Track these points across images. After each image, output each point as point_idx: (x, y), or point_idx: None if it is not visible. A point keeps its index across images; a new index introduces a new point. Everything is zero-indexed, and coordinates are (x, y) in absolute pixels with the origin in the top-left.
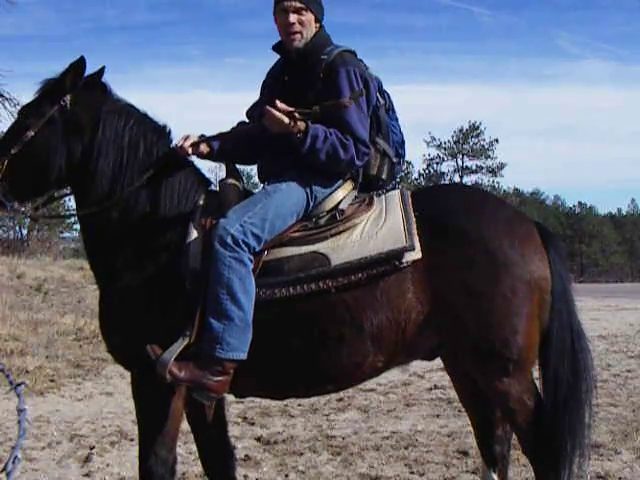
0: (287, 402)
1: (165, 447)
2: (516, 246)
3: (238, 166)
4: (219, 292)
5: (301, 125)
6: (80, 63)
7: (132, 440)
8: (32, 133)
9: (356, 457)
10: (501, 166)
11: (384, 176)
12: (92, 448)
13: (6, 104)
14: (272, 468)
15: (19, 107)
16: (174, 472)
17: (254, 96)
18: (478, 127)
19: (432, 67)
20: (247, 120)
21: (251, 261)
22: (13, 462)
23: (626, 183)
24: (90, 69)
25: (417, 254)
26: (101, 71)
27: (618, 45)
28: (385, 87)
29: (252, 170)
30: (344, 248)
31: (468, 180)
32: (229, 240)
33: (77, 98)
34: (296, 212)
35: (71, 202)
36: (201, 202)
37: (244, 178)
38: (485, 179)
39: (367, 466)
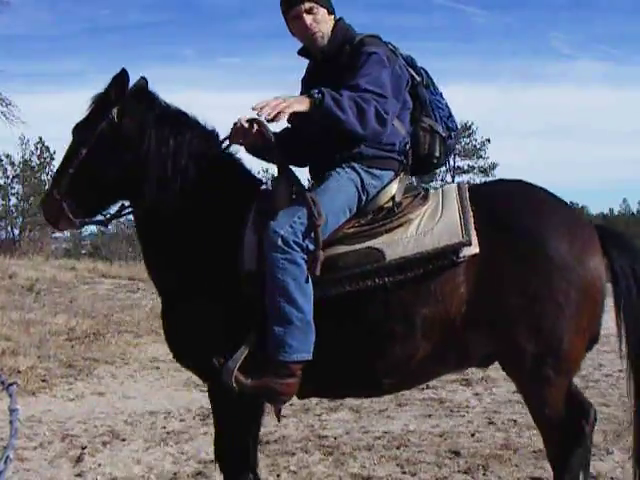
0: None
1: (242, 449)
2: (574, 250)
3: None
4: (276, 296)
5: (310, 100)
6: (122, 75)
7: (124, 440)
8: (85, 150)
9: (348, 457)
10: (493, 166)
11: (437, 153)
12: (84, 448)
13: None
14: (264, 468)
15: (72, 125)
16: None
17: (249, 96)
18: (470, 127)
19: (425, 67)
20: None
21: (305, 261)
22: (5, 462)
23: (618, 183)
24: (87, 70)
25: (474, 249)
26: (145, 80)
27: (612, 45)
28: None
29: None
30: (399, 243)
31: (459, 180)
32: (280, 242)
33: (124, 110)
34: (348, 208)
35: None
36: (254, 204)
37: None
38: (477, 179)
39: (359, 466)
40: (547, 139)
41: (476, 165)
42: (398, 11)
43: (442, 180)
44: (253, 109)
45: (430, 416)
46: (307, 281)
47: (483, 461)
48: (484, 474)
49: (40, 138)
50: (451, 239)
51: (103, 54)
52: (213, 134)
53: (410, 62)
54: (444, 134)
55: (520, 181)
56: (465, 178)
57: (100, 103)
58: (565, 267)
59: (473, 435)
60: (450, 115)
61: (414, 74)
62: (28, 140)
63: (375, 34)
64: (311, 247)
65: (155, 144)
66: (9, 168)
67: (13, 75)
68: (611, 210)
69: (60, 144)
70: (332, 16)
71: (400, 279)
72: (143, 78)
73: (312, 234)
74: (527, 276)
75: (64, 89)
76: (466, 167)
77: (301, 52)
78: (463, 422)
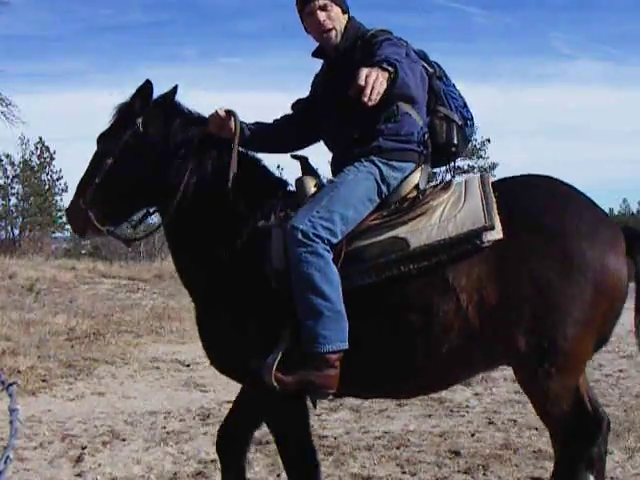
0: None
1: (307, 448)
2: (596, 249)
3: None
4: (303, 289)
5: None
6: (147, 86)
7: (124, 440)
8: (111, 160)
9: (348, 457)
10: (493, 166)
11: (455, 141)
12: (84, 448)
13: None
14: (264, 468)
15: (97, 135)
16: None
17: (248, 96)
18: None
19: None
20: (291, 112)
21: (328, 252)
22: (5, 462)
23: (618, 183)
24: (88, 70)
25: (498, 234)
26: (174, 90)
27: (612, 45)
28: None
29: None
30: (423, 231)
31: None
32: (299, 236)
33: (149, 120)
34: (368, 199)
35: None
36: (279, 203)
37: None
38: None
39: (359, 466)
40: (547, 139)
41: (476, 165)
42: (398, 11)
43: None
44: (356, 91)
45: (430, 416)
46: (332, 271)
47: (483, 461)
48: (484, 474)
49: (40, 138)
50: (474, 224)
51: (103, 54)
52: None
53: (423, 56)
54: (460, 122)
55: (547, 176)
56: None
57: (124, 113)
58: (583, 265)
59: (473, 435)
60: (465, 105)
61: (427, 66)
62: (28, 140)
63: (386, 28)
64: (333, 240)
65: (179, 151)
66: (9, 168)
67: (13, 75)
68: (611, 210)
69: (60, 144)
70: (346, 15)
71: (425, 266)
72: (175, 87)
73: (331, 226)
74: (544, 270)
75: (64, 89)
76: (466, 167)
77: (315, 53)
78: (463, 422)
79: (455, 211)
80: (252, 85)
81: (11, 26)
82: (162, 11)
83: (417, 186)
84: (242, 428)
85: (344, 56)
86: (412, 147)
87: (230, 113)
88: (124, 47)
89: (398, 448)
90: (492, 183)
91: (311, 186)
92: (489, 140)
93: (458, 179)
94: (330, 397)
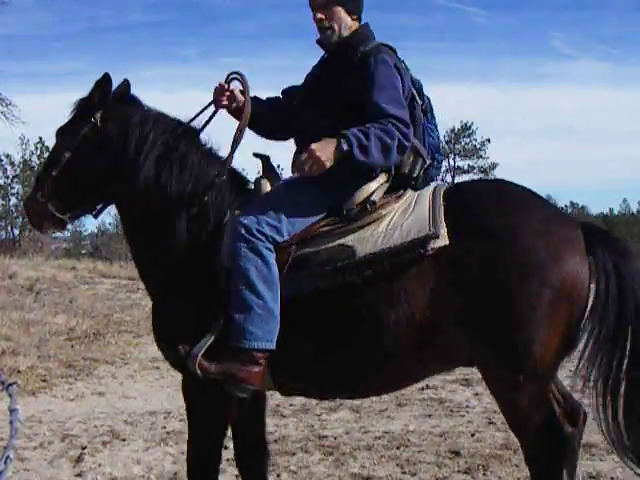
0: (278, 402)
1: (211, 444)
2: (550, 248)
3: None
4: (238, 283)
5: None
6: (105, 80)
7: (124, 440)
8: (69, 154)
9: (348, 457)
10: (493, 166)
11: (415, 174)
12: (84, 448)
13: None
14: None
15: (56, 129)
16: (218, 470)
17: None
18: (470, 127)
19: (425, 67)
20: (281, 97)
21: (270, 251)
22: (5, 462)
23: (618, 183)
24: (88, 70)
25: (442, 241)
26: (127, 84)
27: (612, 45)
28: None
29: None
30: (370, 240)
31: (459, 180)
32: (242, 231)
33: (107, 114)
34: (319, 203)
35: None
36: (236, 201)
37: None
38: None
39: (359, 466)
40: (547, 139)
41: (476, 165)
42: (398, 11)
43: (442, 181)
44: (294, 168)
45: (430, 416)
46: (271, 270)
47: (483, 461)
48: (484, 474)
49: (40, 138)
50: (419, 232)
51: (103, 54)
52: (196, 133)
53: (417, 87)
54: (428, 161)
55: (500, 180)
56: (465, 178)
57: (83, 107)
58: (538, 267)
59: (473, 435)
60: (439, 148)
61: (417, 96)
62: (28, 140)
63: (391, 46)
64: (278, 238)
65: (136, 147)
66: (9, 168)
67: (13, 75)
68: (611, 210)
69: None
70: (354, 16)
71: (370, 275)
72: (126, 81)
73: (276, 224)
74: (497, 275)
75: (64, 89)
76: (466, 167)
77: (318, 41)
78: (463, 422)
79: (402, 219)
80: (252, 85)
81: (11, 26)
82: (162, 11)
83: (371, 195)
84: (251, 436)
85: (340, 58)
86: None
87: (239, 75)
88: (124, 47)
89: (398, 448)
90: (445, 190)
91: (268, 187)
92: (489, 140)
93: (411, 191)
94: (250, 393)
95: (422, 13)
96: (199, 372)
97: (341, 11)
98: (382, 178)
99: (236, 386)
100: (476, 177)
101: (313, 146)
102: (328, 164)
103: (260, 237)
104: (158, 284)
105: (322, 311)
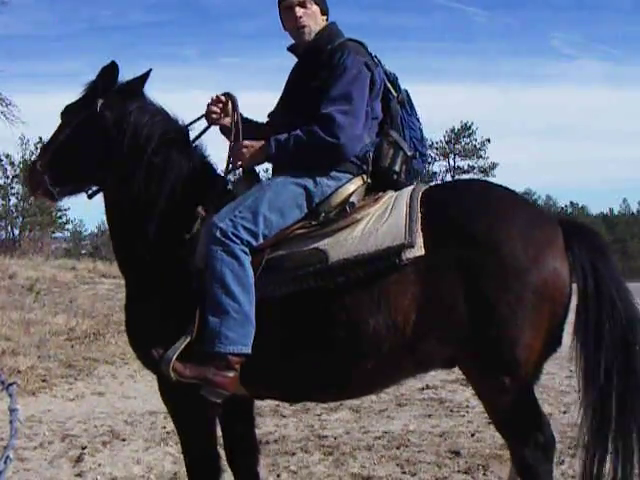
0: (279, 402)
1: (202, 444)
2: (530, 251)
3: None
4: (213, 286)
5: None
6: (111, 67)
7: (124, 440)
8: (67, 133)
9: (348, 457)
10: (493, 166)
11: (396, 168)
12: (84, 448)
13: None
14: (264, 468)
15: (62, 107)
16: (219, 468)
17: (249, 95)
18: (470, 127)
19: (425, 67)
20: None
21: (246, 254)
22: (5, 462)
23: (618, 183)
24: (88, 68)
25: (418, 251)
26: (144, 76)
27: (612, 46)
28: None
29: None
30: (344, 244)
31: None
32: (218, 234)
33: (109, 102)
34: (296, 205)
35: None
36: (214, 202)
37: (260, 176)
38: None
39: (359, 466)
40: (547, 139)
41: (476, 165)
42: (398, 11)
43: (442, 181)
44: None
45: (430, 416)
46: (246, 274)
47: (483, 461)
48: (484, 474)
49: (40, 138)
50: (393, 241)
51: (104, 54)
52: (186, 132)
53: (392, 79)
54: (409, 153)
55: (477, 180)
56: (465, 178)
57: (90, 91)
58: (518, 269)
59: (473, 435)
60: (422, 139)
61: (392, 89)
62: (28, 140)
63: (361, 40)
64: (253, 242)
65: (128, 140)
66: (9, 168)
67: (13, 75)
68: (611, 210)
69: None
70: (325, 17)
71: (343, 281)
72: (145, 76)
73: (252, 228)
74: (477, 281)
75: (64, 89)
76: (466, 167)
77: (290, 48)
78: (463, 422)
79: (378, 225)
80: (252, 85)
81: (11, 26)
82: (162, 11)
83: (349, 198)
84: (241, 433)
85: (310, 59)
86: (352, 159)
87: (228, 96)
88: (124, 47)
89: (398, 448)
90: (423, 193)
91: (246, 188)
92: (489, 140)
93: (390, 193)
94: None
95: (422, 13)
96: (173, 376)
97: (317, 10)
98: (359, 180)
99: (211, 391)
100: (476, 177)
101: (246, 142)
102: (250, 161)
103: (236, 240)
104: (131, 283)
105: (294, 315)
